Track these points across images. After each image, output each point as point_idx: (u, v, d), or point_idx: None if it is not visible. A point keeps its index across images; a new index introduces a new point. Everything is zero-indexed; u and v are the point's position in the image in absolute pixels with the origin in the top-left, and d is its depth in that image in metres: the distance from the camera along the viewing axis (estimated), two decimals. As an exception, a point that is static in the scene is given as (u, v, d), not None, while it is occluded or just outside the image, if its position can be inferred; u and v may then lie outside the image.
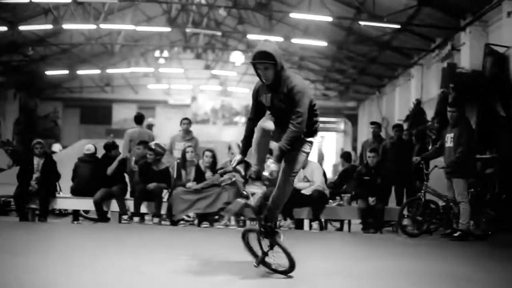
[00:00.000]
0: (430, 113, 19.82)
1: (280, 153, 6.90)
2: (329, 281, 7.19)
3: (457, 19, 20.78)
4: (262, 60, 6.95)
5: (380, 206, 13.20)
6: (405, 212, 12.88)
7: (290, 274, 7.06)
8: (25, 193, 13.54)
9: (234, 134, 42.02)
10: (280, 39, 29.62)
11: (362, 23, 24.26)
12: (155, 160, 13.74)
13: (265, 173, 7.01)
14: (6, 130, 41.16)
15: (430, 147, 16.12)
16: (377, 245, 11.27)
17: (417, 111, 20.30)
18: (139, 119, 15.75)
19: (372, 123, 17.14)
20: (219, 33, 36.40)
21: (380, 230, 13.31)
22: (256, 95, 7.31)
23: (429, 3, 21.03)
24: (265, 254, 7.32)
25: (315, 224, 13.33)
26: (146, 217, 13.98)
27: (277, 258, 7.24)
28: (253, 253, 7.61)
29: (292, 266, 7.05)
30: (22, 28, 29.39)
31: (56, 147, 30.12)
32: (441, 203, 12.71)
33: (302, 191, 13.09)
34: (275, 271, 7.27)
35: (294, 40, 30.00)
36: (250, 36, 33.12)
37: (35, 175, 13.72)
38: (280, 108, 7.08)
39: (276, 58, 6.95)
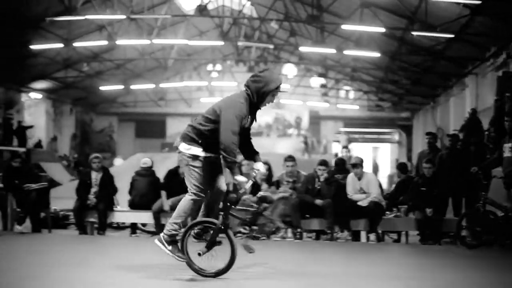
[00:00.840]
0: (486, 123, 19.57)
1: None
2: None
3: (512, 27, 20.54)
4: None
5: (438, 217, 13.05)
6: (464, 223, 12.73)
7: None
8: (83, 207, 13.73)
9: (288, 146, 42.05)
10: (332, 50, 29.66)
11: (414, 33, 24.13)
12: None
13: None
14: (62, 144, 41.83)
15: (488, 157, 15.89)
16: (435, 257, 11.14)
17: (473, 121, 20.03)
18: None
19: (427, 133, 16.97)
20: (271, 46, 36.53)
21: (438, 241, 13.16)
22: (243, 119, 7.56)
23: (482, 12, 20.82)
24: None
25: (372, 236, 13.26)
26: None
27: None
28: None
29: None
30: (77, 44, 29.97)
31: (118, 161, 30.58)
32: (500, 213, 12.53)
33: (359, 203, 13.04)
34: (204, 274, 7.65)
35: (346, 52, 29.96)
36: (302, 49, 33.19)
37: (93, 189, 13.89)
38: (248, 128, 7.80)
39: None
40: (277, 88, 7.64)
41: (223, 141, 7.19)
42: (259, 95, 7.59)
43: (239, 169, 7.89)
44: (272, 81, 7.60)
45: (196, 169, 7.45)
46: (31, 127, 35.23)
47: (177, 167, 13.91)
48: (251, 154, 7.86)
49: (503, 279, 8.41)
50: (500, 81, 19.62)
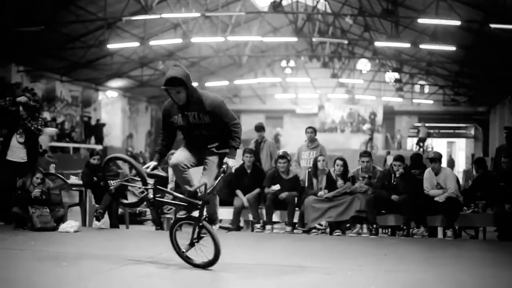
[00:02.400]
0: None
1: (234, 150, 8.18)
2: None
3: None
4: (173, 86, 7.83)
5: (517, 213, 12.84)
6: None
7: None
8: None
9: (362, 141, 41.83)
10: (407, 45, 29.40)
11: (492, 25, 23.68)
12: (286, 169, 13.86)
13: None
14: (138, 142, 42.53)
15: None
16: (514, 253, 10.99)
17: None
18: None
19: (505, 128, 16.67)
20: (345, 41, 36.41)
21: (517, 237, 12.93)
22: (167, 116, 8.20)
23: None
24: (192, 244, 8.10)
25: (449, 232, 13.10)
26: (277, 226, 14.13)
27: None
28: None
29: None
30: (152, 43, 30.48)
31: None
32: None
33: (436, 198, 12.91)
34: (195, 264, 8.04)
35: (421, 46, 29.63)
36: (377, 43, 32.96)
37: (169, 186, 14.07)
38: (196, 125, 8.01)
39: (186, 82, 7.82)
40: (165, 85, 7.87)
41: None
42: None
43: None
44: (164, 80, 7.91)
45: None
46: (103, 125, 35.99)
47: (243, 165, 14.11)
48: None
49: None
50: None
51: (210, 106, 7.95)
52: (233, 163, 8.13)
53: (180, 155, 8.12)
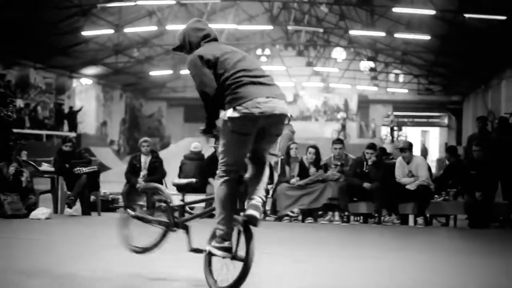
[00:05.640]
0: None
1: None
2: (436, 278, 7.14)
3: None
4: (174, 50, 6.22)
5: (487, 201, 12.93)
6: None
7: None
8: (133, 190, 13.88)
9: (335, 129, 41.96)
10: (382, 34, 29.48)
11: (466, 15, 23.80)
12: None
13: None
14: (112, 129, 42.38)
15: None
16: (484, 241, 11.07)
17: (525, 104, 19.80)
18: None
19: (478, 118, 16.82)
20: (320, 30, 36.47)
21: (487, 225, 13.04)
22: None
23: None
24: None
25: (420, 220, 13.19)
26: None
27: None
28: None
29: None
30: (127, 30, 30.31)
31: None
32: (551, 197, 12.39)
33: (407, 186, 12.99)
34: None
35: (396, 35, 29.76)
36: (352, 32, 33.03)
37: (142, 173, 14.05)
38: None
39: (181, 42, 6.05)
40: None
41: None
42: None
43: None
44: None
45: None
46: (80, 109, 35.79)
47: (215, 153, 14.10)
48: None
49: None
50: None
51: None
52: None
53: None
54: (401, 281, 6.80)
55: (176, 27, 29.52)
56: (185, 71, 40.31)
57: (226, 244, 5.57)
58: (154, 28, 29.67)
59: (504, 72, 30.39)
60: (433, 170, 23.31)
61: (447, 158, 16.20)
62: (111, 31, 29.76)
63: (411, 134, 41.47)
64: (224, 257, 5.60)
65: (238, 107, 5.38)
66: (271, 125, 5.58)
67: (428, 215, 13.48)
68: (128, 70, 39.11)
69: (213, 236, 5.73)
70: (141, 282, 6.42)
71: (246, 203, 5.79)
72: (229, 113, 5.41)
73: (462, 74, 37.01)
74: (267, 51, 43.87)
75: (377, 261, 8.00)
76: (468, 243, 10.94)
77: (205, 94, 5.57)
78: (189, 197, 13.13)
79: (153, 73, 40.10)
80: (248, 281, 5.41)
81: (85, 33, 28.79)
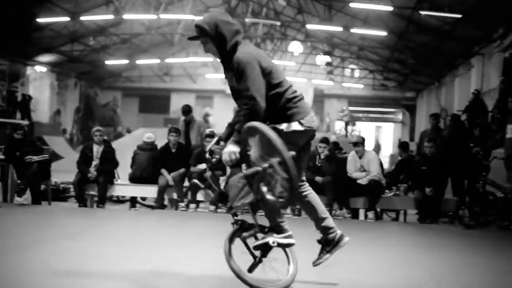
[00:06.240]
0: (491, 104, 19.56)
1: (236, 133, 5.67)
2: (385, 272, 7.19)
3: (521, 7, 20.46)
4: (194, 35, 5.87)
5: (437, 197, 13.08)
6: (463, 203, 12.76)
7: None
8: (84, 180, 13.77)
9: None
10: (339, 29, 29.58)
11: (423, 12, 24.01)
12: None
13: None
14: (66, 118, 41.91)
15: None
16: (433, 236, 11.17)
17: (477, 102, 20.01)
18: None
19: (431, 115, 17.01)
20: (278, 23, 36.43)
21: (436, 221, 13.19)
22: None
23: (491, -8, 20.75)
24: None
25: (370, 214, 13.29)
26: (202, 205, 14.16)
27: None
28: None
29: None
30: (84, 18, 29.98)
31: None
32: (499, 194, 12.56)
33: (358, 181, 13.08)
34: None
35: (353, 30, 29.89)
36: (309, 26, 33.09)
37: (94, 163, 13.92)
38: (232, 89, 5.83)
39: (208, 31, 5.72)
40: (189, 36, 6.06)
41: None
42: None
43: None
44: None
45: None
46: (30, 98, 35.23)
47: (168, 144, 14.14)
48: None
49: (499, 260, 8.43)
50: (506, 62, 19.57)
51: (233, 63, 5.64)
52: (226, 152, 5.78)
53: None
54: (344, 274, 6.84)
55: (134, 16, 29.35)
56: (141, 61, 40.17)
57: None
58: (111, 16, 29.39)
59: (458, 69, 30.73)
60: (386, 165, 23.56)
61: (399, 153, 16.36)
62: (67, 18, 29.39)
63: (365, 129, 41.72)
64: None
65: (302, 121, 5.62)
66: (309, 140, 5.88)
67: (378, 210, 13.61)
68: (84, 59, 38.63)
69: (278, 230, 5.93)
70: (89, 273, 6.34)
71: None
72: (295, 126, 5.59)
73: (417, 71, 37.36)
74: (224, 43, 43.77)
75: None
76: (417, 237, 11.04)
77: (256, 103, 5.40)
78: (142, 188, 13.18)
79: (109, 62, 39.75)
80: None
81: (40, 20, 28.39)
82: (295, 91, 5.80)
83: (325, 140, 13.61)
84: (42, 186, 13.89)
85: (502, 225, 12.48)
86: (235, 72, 5.56)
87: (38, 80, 39.04)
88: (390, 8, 25.18)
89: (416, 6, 24.83)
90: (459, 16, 23.37)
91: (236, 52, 5.63)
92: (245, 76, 5.46)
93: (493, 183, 12.50)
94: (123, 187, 14.50)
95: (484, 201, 12.44)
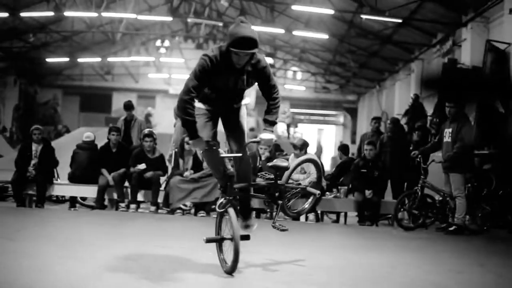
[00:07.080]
0: (430, 108, 19.84)
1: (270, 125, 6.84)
2: (323, 273, 7.22)
3: (459, 14, 20.85)
4: (249, 50, 6.26)
5: (377, 199, 13.22)
6: (402, 205, 12.91)
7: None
8: (22, 179, 13.56)
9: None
10: (281, 31, 29.67)
11: (364, 16, 24.26)
12: (151, 148, 13.81)
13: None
14: (5, 116, 41.18)
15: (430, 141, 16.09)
16: (372, 238, 11.29)
17: (416, 106, 20.26)
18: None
19: (373, 118, 17.19)
20: (220, 24, 36.35)
21: (376, 223, 13.35)
22: (209, 73, 6.58)
23: (431, -2, 21.09)
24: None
25: (311, 216, 13.37)
26: (143, 205, 14.09)
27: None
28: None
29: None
30: (23, 14, 29.40)
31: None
32: (437, 197, 12.76)
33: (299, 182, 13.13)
34: None
35: (295, 32, 30.05)
36: (252, 27, 33.11)
37: (33, 161, 13.73)
38: (237, 89, 6.68)
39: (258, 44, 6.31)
40: (233, 44, 6.24)
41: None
42: (222, 53, 6.46)
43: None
44: (230, 36, 6.31)
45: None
46: None
47: (108, 143, 14.05)
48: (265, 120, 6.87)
49: (436, 261, 8.55)
50: (445, 67, 19.86)
51: (257, 65, 6.52)
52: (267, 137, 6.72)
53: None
54: (285, 274, 6.85)
55: (75, 14, 28.97)
56: (83, 59, 39.66)
57: None
58: (51, 13, 28.95)
59: (398, 73, 31.15)
60: (328, 167, 23.72)
61: (339, 156, 16.49)
62: (5, 14, 28.85)
63: (307, 132, 41.96)
64: None
65: None
66: None
67: (319, 212, 13.69)
68: (23, 56, 38.01)
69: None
70: (25, 271, 6.22)
71: None
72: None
73: (358, 74, 37.77)
74: (167, 43, 43.42)
75: (265, 256, 8.01)
76: (356, 239, 11.12)
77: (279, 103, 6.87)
78: (82, 188, 13.05)
79: (50, 59, 39.15)
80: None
81: (-23, 15, 27.87)
82: None
83: (266, 142, 13.64)
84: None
85: (439, 227, 12.71)
86: (261, 73, 6.59)
87: (-25, 77, 38.34)
88: (331, 12, 25.38)
89: (357, 10, 25.10)
90: (399, 21, 23.70)
91: (256, 56, 6.50)
92: (272, 75, 6.74)
93: (431, 186, 12.68)
94: (62, 186, 14.33)
95: (422, 204, 12.60)
